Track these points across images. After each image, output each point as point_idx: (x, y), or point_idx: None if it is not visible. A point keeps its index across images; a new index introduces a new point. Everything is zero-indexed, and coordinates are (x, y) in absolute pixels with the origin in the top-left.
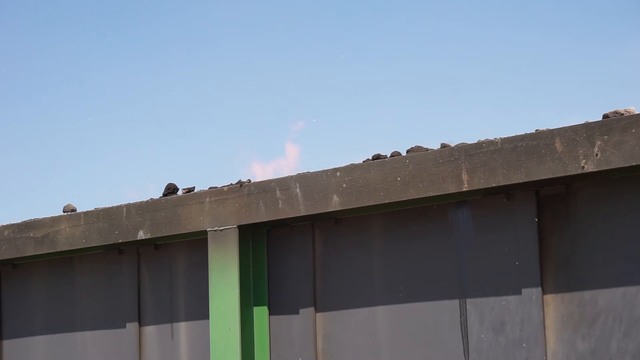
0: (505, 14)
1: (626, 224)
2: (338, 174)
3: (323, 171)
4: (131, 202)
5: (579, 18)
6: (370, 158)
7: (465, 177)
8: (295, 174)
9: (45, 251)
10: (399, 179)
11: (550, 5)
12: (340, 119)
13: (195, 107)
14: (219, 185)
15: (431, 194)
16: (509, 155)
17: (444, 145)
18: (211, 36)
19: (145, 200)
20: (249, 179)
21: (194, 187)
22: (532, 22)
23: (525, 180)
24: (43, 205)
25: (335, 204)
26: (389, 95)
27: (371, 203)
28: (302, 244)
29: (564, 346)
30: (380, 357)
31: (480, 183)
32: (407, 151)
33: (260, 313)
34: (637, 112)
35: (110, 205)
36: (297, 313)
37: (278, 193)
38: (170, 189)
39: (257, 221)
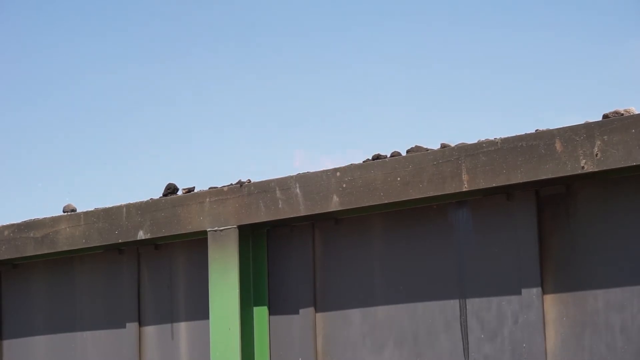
0: (505, 14)
1: (626, 224)
2: (338, 174)
3: (323, 171)
4: (131, 202)
5: (579, 18)
6: (370, 158)
7: (465, 177)
8: (295, 174)
9: (46, 251)
10: (399, 179)
11: (550, 5)
12: (340, 119)
13: (195, 107)
14: (219, 185)
15: (431, 194)
16: (509, 155)
17: (444, 145)
18: (211, 37)
19: (145, 200)
20: (249, 179)
21: (194, 187)
22: (532, 22)
23: (525, 180)
24: (43, 205)
25: (335, 204)
26: (389, 95)
27: (371, 203)
28: (302, 244)
29: (564, 346)
30: (380, 357)
31: (480, 183)
32: (407, 151)
33: (260, 313)
34: (637, 112)
35: (110, 205)
36: (297, 313)
37: (278, 193)
38: (170, 189)
39: (257, 221)
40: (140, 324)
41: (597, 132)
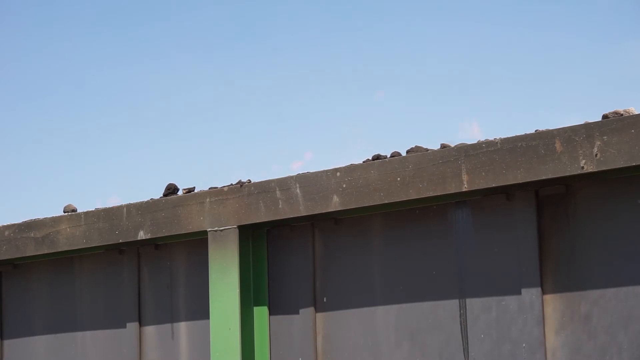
0: (505, 13)
1: (626, 224)
2: (338, 174)
3: (323, 171)
4: (131, 202)
5: (579, 18)
6: (370, 158)
7: (465, 177)
8: (295, 174)
9: (46, 251)
10: (399, 179)
11: (550, 5)
12: (339, 119)
13: (195, 107)
14: (219, 185)
15: (431, 194)
16: (509, 155)
17: (444, 146)
18: (211, 38)
19: (145, 200)
20: (249, 179)
21: (194, 187)
22: (532, 22)
23: (525, 180)
24: (43, 205)
25: (335, 204)
26: (389, 96)
27: (371, 203)
28: (302, 244)
29: (564, 346)
30: (380, 357)
31: (480, 183)
32: (407, 151)
33: (260, 313)
34: (636, 112)
35: (111, 206)
36: (297, 313)
37: (278, 193)
38: (171, 189)
39: (257, 221)
40: (141, 324)
41: (596, 132)
